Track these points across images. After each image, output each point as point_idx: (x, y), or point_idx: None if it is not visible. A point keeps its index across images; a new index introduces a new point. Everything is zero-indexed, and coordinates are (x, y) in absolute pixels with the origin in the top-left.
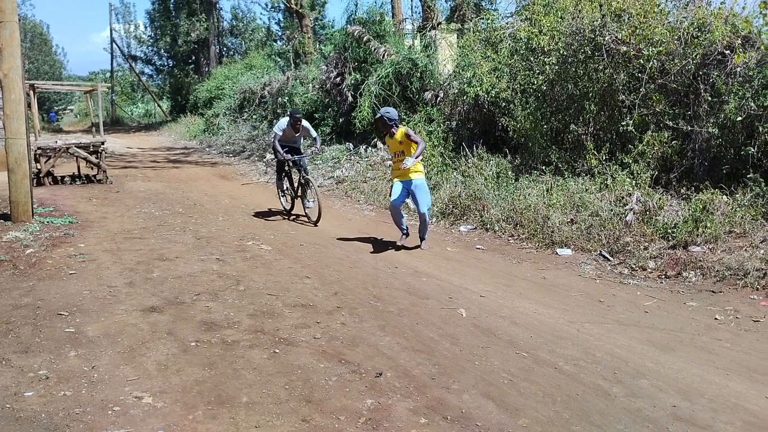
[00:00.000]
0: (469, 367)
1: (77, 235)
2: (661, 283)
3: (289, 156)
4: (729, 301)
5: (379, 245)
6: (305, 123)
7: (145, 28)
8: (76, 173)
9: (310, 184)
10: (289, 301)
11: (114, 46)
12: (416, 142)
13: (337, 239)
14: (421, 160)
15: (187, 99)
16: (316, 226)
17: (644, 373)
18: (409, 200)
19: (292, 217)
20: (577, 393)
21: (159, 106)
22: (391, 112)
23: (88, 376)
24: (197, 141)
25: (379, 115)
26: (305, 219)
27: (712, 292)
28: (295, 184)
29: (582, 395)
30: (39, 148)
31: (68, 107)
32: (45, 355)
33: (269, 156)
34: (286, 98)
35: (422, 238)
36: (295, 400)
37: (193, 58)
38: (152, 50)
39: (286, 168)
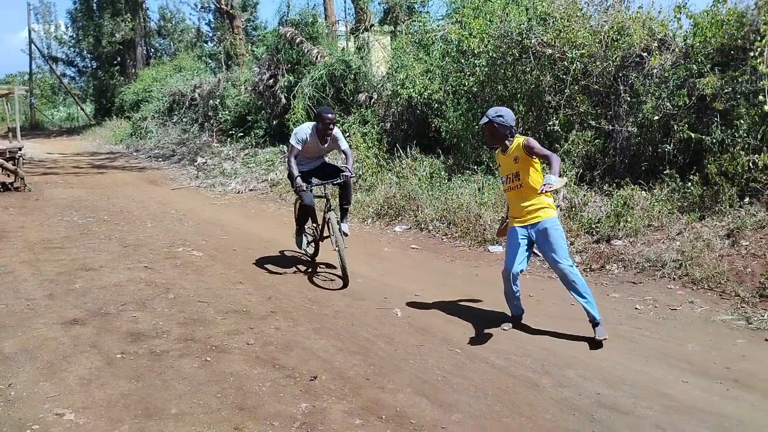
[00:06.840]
0: (404, 366)
1: None
2: (587, 276)
3: (316, 181)
4: (648, 292)
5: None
6: (337, 131)
7: (67, 28)
8: None
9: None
10: (222, 307)
11: (33, 47)
12: (545, 156)
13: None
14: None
15: (113, 102)
16: (345, 286)
17: (571, 364)
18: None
19: (318, 268)
20: (508, 386)
21: (82, 109)
22: (504, 114)
23: (4, 394)
24: (124, 145)
25: (486, 119)
26: (332, 272)
27: (633, 283)
28: (320, 220)
29: (512, 388)
30: None
31: None
32: None
33: (201, 159)
34: (218, 101)
35: (593, 321)
36: (227, 408)
37: (119, 59)
38: (74, 51)
39: (311, 203)
